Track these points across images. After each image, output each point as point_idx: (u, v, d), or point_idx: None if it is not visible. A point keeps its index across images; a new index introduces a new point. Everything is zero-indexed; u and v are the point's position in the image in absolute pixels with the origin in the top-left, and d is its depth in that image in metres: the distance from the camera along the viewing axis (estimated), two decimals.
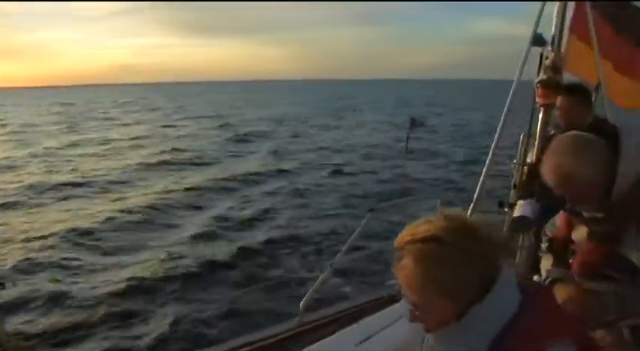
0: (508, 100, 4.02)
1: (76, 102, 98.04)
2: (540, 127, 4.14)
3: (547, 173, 1.95)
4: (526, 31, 4.20)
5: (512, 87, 4.00)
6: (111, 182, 18.97)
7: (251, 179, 19.19)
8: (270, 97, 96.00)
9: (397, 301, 3.61)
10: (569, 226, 2.21)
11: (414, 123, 4.23)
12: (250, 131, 35.49)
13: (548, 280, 2.21)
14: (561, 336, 1.26)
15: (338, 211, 14.04)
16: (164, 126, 42.39)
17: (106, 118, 52.56)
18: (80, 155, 26.69)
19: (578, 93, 3.77)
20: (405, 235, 1.34)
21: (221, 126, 39.80)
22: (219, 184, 18.26)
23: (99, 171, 21.07)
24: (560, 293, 2.02)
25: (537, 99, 4.10)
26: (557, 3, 4.19)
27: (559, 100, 3.66)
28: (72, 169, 21.74)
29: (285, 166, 22.48)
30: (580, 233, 2.13)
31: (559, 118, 3.65)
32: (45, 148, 29.54)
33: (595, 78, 4.21)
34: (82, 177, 19.83)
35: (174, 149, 27.09)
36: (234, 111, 59.92)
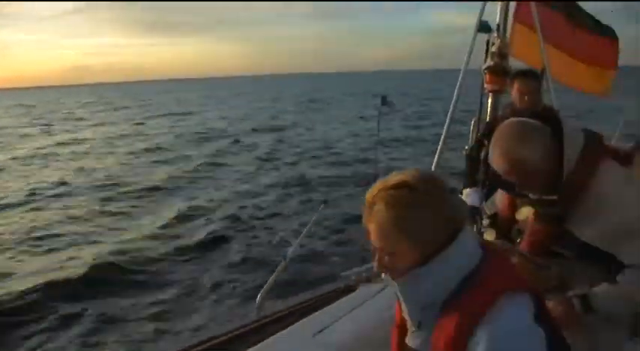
0: (457, 87, 4.05)
1: (36, 104, 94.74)
2: (490, 113, 4.19)
3: (496, 160, 1.98)
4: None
5: (461, 74, 4.03)
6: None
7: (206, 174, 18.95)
8: (236, 93, 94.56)
9: (353, 290, 3.60)
10: (512, 207, 2.28)
11: (384, 101, 4.26)
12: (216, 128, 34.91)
13: None
14: (517, 288, 1.32)
15: (295, 201, 13.99)
16: (137, 124, 41.44)
17: (78, 119, 50.71)
18: (74, 153, 26.06)
19: (536, 76, 3.82)
20: (376, 186, 1.40)
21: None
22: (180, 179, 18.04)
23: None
24: None
25: (485, 85, 4.15)
26: None
27: (521, 85, 3.68)
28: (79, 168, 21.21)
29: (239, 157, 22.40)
30: (525, 214, 2.19)
31: (520, 103, 3.67)
32: (37, 148, 28.57)
33: (540, 62, 4.28)
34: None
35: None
36: (204, 107, 58.89)
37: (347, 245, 9.51)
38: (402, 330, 1.56)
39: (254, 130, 32.09)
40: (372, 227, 1.38)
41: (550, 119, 2.01)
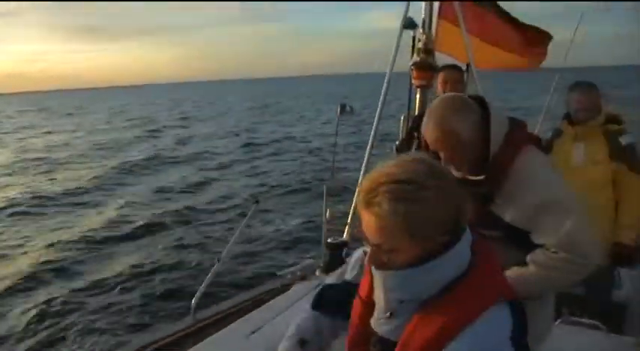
0: (384, 85, 4.09)
1: None
2: (418, 107, 4.26)
3: (430, 129, 2.04)
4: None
5: (388, 70, 4.08)
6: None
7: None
8: (173, 100, 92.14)
9: (289, 289, 3.61)
10: None
11: (343, 109, 4.27)
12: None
13: None
14: (505, 298, 1.31)
15: (229, 204, 13.87)
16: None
17: (25, 127, 47.86)
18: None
19: (459, 68, 3.92)
20: (378, 176, 1.30)
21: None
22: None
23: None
24: None
25: (413, 80, 4.22)
26: None
27: (445, 75, 3.77)
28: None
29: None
30: None
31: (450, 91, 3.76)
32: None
33: (465, 56, 4.38)
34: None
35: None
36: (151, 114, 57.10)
37: (282, 244, 9.50)
38: (367, 308, 1.50)
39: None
40: (370, 221, 1.30)
41: (477, 103, 2.08)
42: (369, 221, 1.30)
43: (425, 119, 2.07)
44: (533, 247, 2.02)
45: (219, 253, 3.78)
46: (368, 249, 1.37)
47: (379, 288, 1.40)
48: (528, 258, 2.01)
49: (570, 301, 3.96)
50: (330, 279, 2.01)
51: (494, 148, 2.01)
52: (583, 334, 3.23)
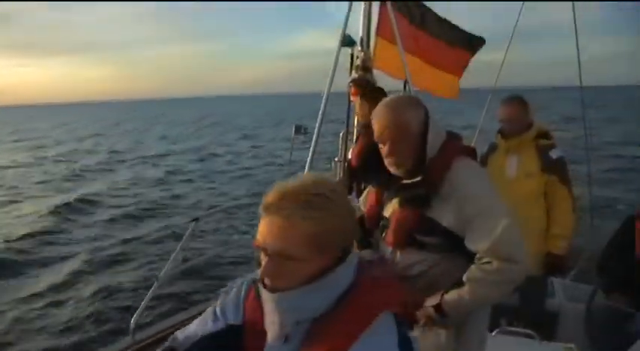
0: (323, 102, 4.12)
1: None
2: (357, 124, 4.32)
3: (383, 116, 2.11)
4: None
5: (326, 87, 4.11)
6: None
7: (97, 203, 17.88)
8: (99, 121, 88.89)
9: None
10: (378, 204, 2.31)
11: (298, 130, 4.27)
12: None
13: None
14: (389, 309, 1.32)
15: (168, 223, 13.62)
16: None
17: None
18: None
19: (384, 92, 3.99)
20: (291, 186, 1.31)
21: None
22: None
23: None
24: None
25: (351, 97, 4.28)
26: (363, 4, 4.41)
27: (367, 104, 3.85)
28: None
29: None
30: (392, 208, 2.23)
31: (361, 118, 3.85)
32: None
33: (402, 74, 4.48)
34: None
35: None
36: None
37: (225, 260, 9.37)
38: (256, 338, 1.44)
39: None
40: (276, 226, 1.28)
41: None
42: (275, 226, 1.28)
43: (377, 109, 2.14)
44: (468, 255, 2.06)
45: (158, 272, 3.73)
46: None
47: (272, 313, 1.35)
48: (465, 278, 2.05)
49: (506, 311, 4.08)
50: None
51: (432, 152, 2.11)
52: (517, 343, 3.34)
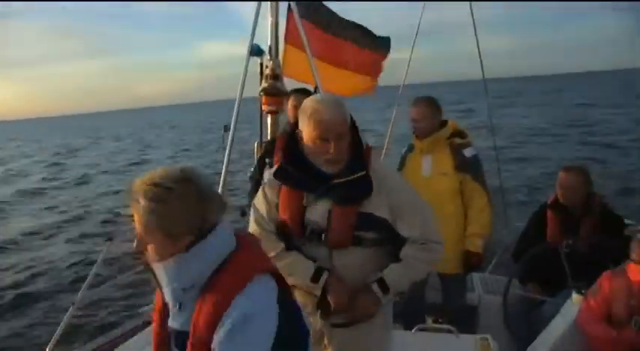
0: (234, 112, 4.07)
1: None
2: (270, 133, 4.29)
3: (338, 111, 2.14)
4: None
5: (237, 97, 4.06)
6: None
7: None
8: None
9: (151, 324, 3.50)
10: (300, 209, 2.27)
11: (226, 129, 4.19)
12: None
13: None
14: (263, 271, 1.53)
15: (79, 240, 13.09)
16: None
17: None
18: None
19: (308, 92, 4.01)
20: (143, 178, 1.52)
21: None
22: None
23: None
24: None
25: (263, 107, 4.25)
26: (270, 13, 4.38)
27: (295, 100, 3.84)
28: None
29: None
30: (321, 209, 2.22)
31: (294, 118, 3.80)
32: None
33: (312, 80, 4.49)
34: None
35: None
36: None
37: (142, 280, 9.02)
38: (162, 313, 1.67)
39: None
40: (135, 216, 1.50)
41: None
42: (135, 216, 1.51)
43: (315, 106, 2.15)
44: (395, 246, 2.27)
45: (74, 296, 3.59)
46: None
47: (163, 281, 1.54)
48: (402, 256, 2.25)
49: (431, 309, 4.17)
50: None
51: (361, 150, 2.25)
52: (435, 339, 3.42)
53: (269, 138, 4.27)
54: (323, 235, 2.21)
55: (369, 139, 2.37)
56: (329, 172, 2.20)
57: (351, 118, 2.22)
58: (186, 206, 1.48)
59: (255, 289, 1.47)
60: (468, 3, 5.65)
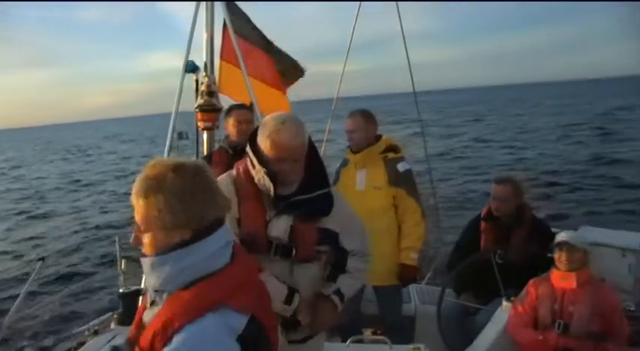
0: (170, 126, 4.03)
1: None
2: (207, 149, 4.28)
3: (295, 134, 2.16)
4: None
5: (173, 113, 4.04)
6: None
7: None
8: None
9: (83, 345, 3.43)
10: (264, 225, 2.26)
11: (180, 136, 4.11)
12: None
13: None
14: (237, 304, 1.39)
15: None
16: None
17: None
18: None
19: (248, 108, 4.01)
20: (155, 164, 1.47)
21: None
22: None
23: None
24: None
25: (198, 123, 4.23)
26: (205, 29, 4.39)
27: (237, 116, 3.84)
28: None
29: None
30: (283, 225, 2.23)
31: (238, 134, 3.78)
32: None
33: (247, 97, 4.49)
34: None
35: None
36: None
37: (77, 300, 8.76)
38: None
39: None
40: (136, 207, 1.46)
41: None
42: (136, 207, 1.46)
43: (282, 128, 2.15)
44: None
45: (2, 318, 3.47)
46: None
47: (147, 276, 1.50)
48: (350, 268, 2.42)
49: (368, 321, 4.22)
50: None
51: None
52: (370, 349, 3.48)
53: (205, 154, 4.25)
54: (294, 251, 2.23)
55: None
56: (281, 193, 2.21)
57: (309, 137, 2.27)
58: (199, 198, 1.44)
59: (215, 319, 1.34)
60: (397, 18, 5.71)
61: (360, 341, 3.46)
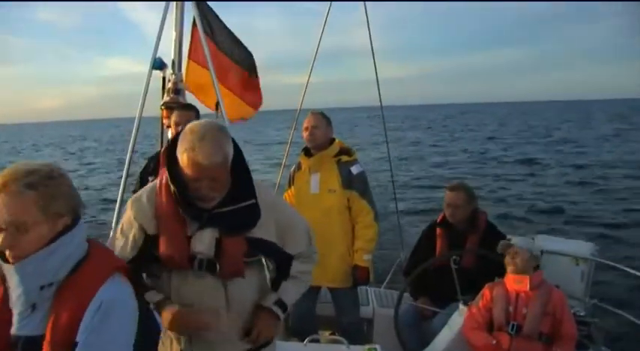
0: (135, 126, 4.00)
1: None
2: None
3: (214, 153, 1.96)
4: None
5: (138, 111, 4.00)
6: None
7: None
8: None
9: None
10: (186, 238, 2.14)
11: None
12: None
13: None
14: (118, 269, 1.63)
15: None
16: None
17: None
18: None
19: (192, 107, 3.88)
20: (11, 170, 1.51)
21: None
22: None
23: None
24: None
25: (164, 120, 4.21)
26: (173, 27, 4.38)
27: (181, 116, 3.77)
28: None
29: None
30: (208, 239, 2.12)
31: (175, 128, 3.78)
32: None
33: (212, 98, 4.48)
34: None
35: None
36: None
37: None
38: (3, 324, 1.56)
39: None
40: (2, 205, 1.47)
41: None
42: (3, 203, 1.47)
43: (200, 145, 1.95)
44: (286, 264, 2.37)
45: None
46: None
47: (15, 283, 1.51)
48: (295, 273, 2.38)
49: (325, 322, 4.25)
50: None
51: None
52: (327, 349, 3.53)
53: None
54: (217, 266, 2.12)
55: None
56: (202, 207, 2.10)
57: (236, 146, 2.14)
58: (60, 188, 1.55)
59: (116, 282, 1.58)
60: (367, 33, 5.71)
61: (316, 341, 3.49)
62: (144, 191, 2.23)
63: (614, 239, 10.83)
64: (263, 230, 2.20)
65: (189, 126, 2.05)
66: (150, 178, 3.84)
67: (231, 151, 2.07)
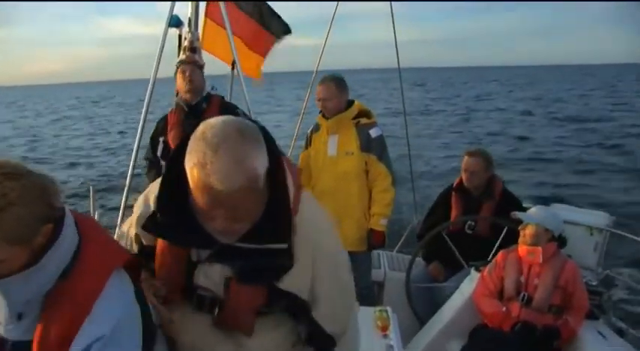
0: (149, 87, 3.96)
1: None
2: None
3: (232, 173, 1.29)
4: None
5: (153, 71, 3.95)
6: None
7: None
8: None
9: None
10: (184, 266, 1.60)
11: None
12: None
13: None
14: (118, 265, 1.42)
15: None
16: None
17: None
18: None
19: (199, 66, 3.94)
20: None
21: None
22: None
23: None
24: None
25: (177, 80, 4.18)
26: None
27: (182, 68, 3.80)
28: None
29: None
30: (215, 275, 1.56)
31: (184, 89, 3.77)
32: None
33: (229, 56, 4.44)
34: None
35: None
36: None
37: None
38: None
39: None
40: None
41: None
42: None
43: (212, 155, 1.30)
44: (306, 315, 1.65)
45: None
46: None
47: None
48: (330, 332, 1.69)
49: None
50: None
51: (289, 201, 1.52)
52: None
53: None
54: (216, 310, 1.57)
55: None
56: (220, 241, 1.48)
57: (272, 150, 1.44)
58: (30, 207, 1.27)
59: (115, 289, 1.36)
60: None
61: None
62: (155, 189, 1.60)
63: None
64: (292, 280, 1.55)
65: (200, 127, 1.39)
66: (160, 139, 3.85)
67: (262, 163, 1.38)
